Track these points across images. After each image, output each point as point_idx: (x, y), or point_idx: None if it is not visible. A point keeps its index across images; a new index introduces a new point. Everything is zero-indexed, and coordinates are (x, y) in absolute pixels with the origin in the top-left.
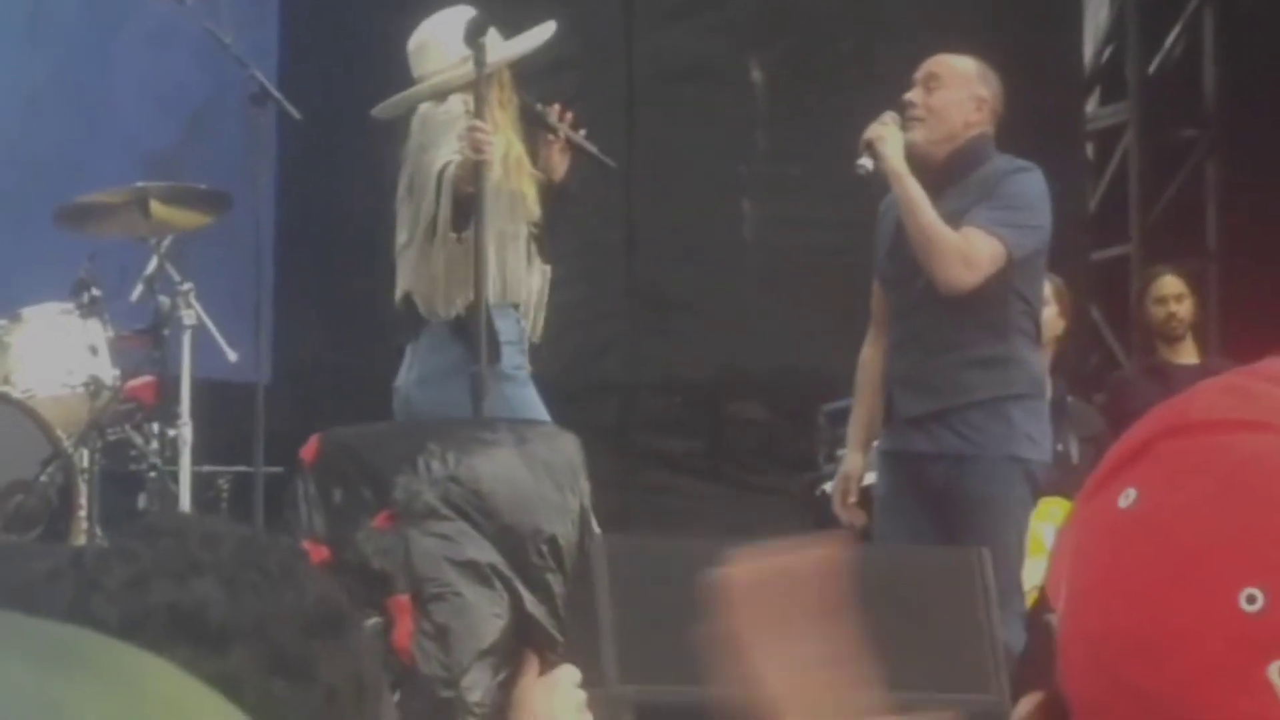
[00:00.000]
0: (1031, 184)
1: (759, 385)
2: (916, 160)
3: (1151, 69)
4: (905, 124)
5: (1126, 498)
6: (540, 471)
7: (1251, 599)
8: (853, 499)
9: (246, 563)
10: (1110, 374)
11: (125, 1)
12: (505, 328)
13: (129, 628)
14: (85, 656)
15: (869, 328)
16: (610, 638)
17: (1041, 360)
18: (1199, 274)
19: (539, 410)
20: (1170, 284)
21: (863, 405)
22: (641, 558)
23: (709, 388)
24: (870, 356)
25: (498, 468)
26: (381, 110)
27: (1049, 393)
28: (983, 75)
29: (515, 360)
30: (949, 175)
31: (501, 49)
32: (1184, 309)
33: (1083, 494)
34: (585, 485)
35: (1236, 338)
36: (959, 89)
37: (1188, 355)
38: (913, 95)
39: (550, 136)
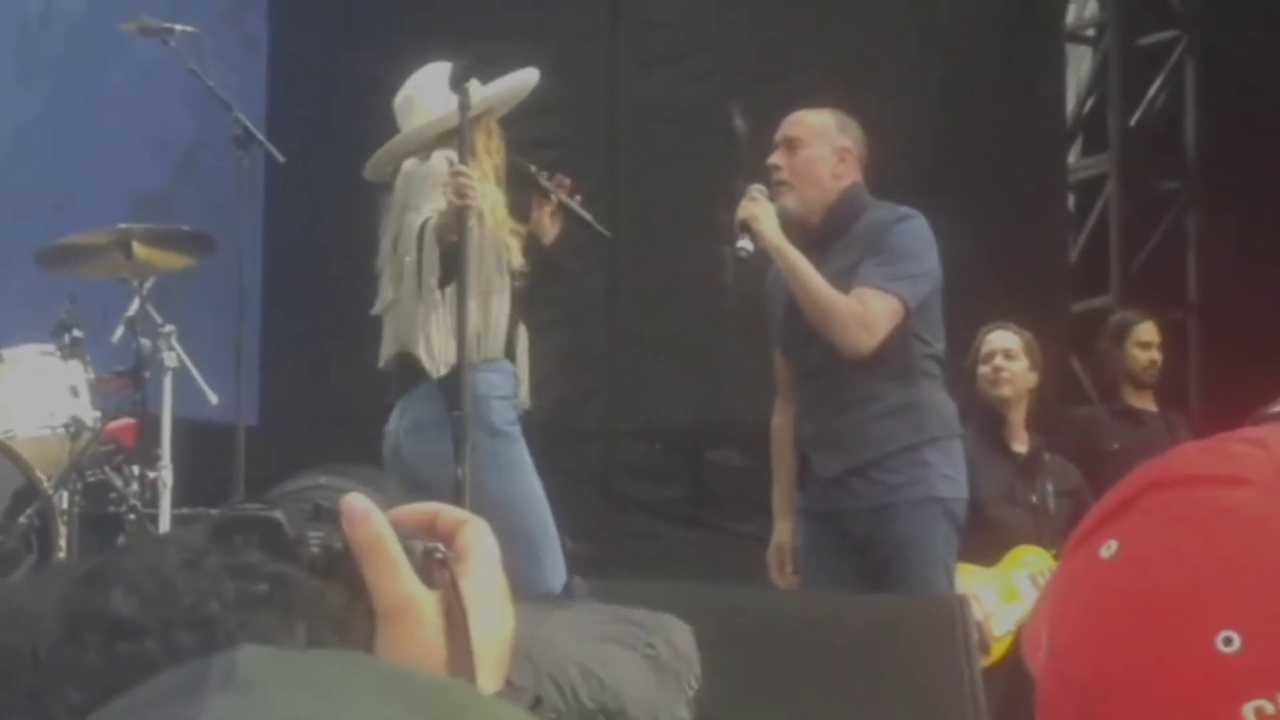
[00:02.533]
0: (915, 231)
1: (739, 432)
2: (795, 224)
3: (1133, 121)
4: (774, 190)
5: (1108, 549)
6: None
7: (1228, 640)
8: (789, 569)
9: None
10: (1074, 412)
11: (114, 40)
12: (499, 381)
13: None
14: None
15: (777, 396)
16: None
17: (949, 399)
18: (1179, 324)
19: (527, 471)
20: (1153, 331)
21: (783, 473)
22: (623, 602)
23: (690, 434)
24: (781, 424)
25: None
26: (371, 170)
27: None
28: (841, 125)
29: (508, 415)
30: (831, 232)
31: (484, 94)
32: (1160, 358)
33: (1065, 551)
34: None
35: (1216, 388)
36: (819, 144)
37: (1149, 403)
38: (775, 159)
39: (542, 200)
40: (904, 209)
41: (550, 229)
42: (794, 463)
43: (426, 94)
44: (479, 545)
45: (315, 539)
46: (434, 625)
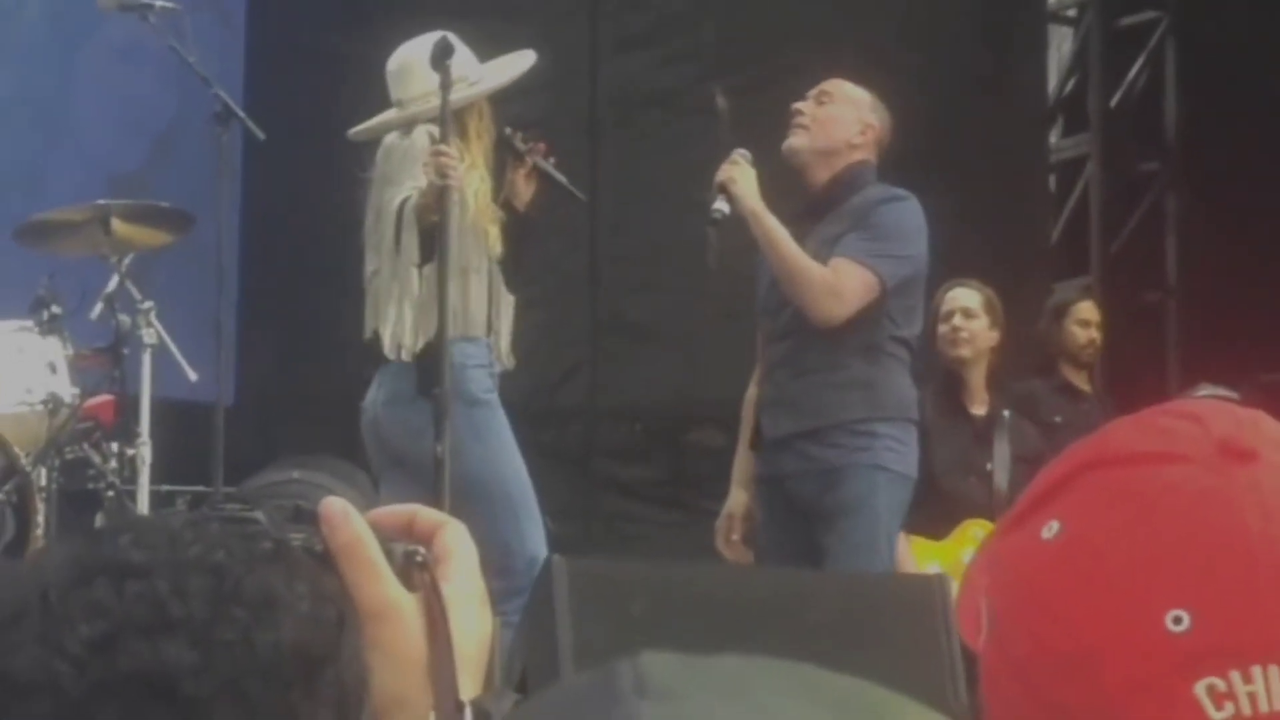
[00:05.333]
0: (905, 212)
1: (720, 412)
2: (795, 167)
3: (1114, 102)
4: (791, 130)
5: (1049, 529)
6: None
7: (1178, 620)
8: (735, 536)
9: (219, 615)
10: (1013, 386)
11: (91, 16)
12: (475, 352)
13: (97, 697)
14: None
15: (756, 366)
16: (570, 661)
17: (911, 385)
18: (1158, 305)
19: (507, 439)
20: (1092, 310)
21: (746, 442)
22: (601, 581)
23: (670, 415)
24: (754, 394)
25: None
26: (358, 133)
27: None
28: (874, 106)
29: (485, 384)
30: (827, 201)
31: (485, 78)
32: (1099, 337)
33: (999, 530)
34: None
35: (1194, 369)
36: (848, 108)
37: (1084, 383)
38: (802, 105)
39: (517, 163)
40: (899, 190)
41: (525, 192)
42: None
43: (425, 65)
44: (458, 548)
45: (296, 540)
46: (414, 626)
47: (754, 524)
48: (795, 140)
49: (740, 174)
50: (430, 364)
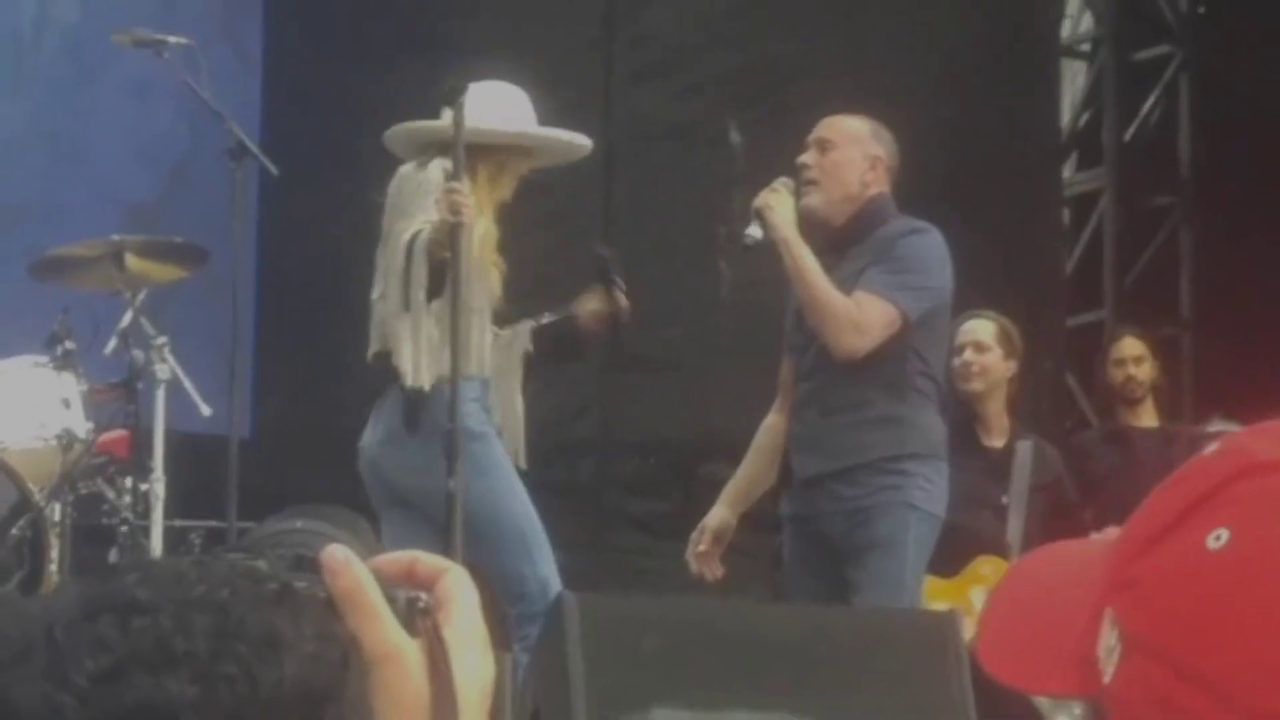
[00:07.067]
0: (927, 245)
1: (732, 446)
2: (817, 224)
3: (1128, 135)
4: (801, 188)
5: (1217, 539)
6: None
7: None
8: (702, 548)
9: (222, 651)
10: (1073, 436)
11: (107, 51)
12: (469, 387)
13: None
14: None
15: (777, 396)
16: (581, 696)
17: (939, 421)
18: (1172, 340)
19: (508, 470)
20: (1130, 346)
21: (747, 466)
22: (612, 617)
23: (683, 449)
24: (772, 423)
25: None
26: (390, 137)
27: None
28: (875, 134)
29: (480, 417)
30: (851, 238)
31: (533, 130)
32: (1142, 371)
33: (1120, 556)
34: None
35: (1209, 403)
36: (852, 149)
37: (1147, 418)
38: (806, 158)
39: (603, 290)
40: (921, 222)
41: (592, 324)
42: (764, 462)
43: (477, 103)
44: (460, 593)
45: (300, 586)
46: (417, 672)
47: (725, 541)
48: (809, 200)
49: (778, 201)
50: (420, 400)
